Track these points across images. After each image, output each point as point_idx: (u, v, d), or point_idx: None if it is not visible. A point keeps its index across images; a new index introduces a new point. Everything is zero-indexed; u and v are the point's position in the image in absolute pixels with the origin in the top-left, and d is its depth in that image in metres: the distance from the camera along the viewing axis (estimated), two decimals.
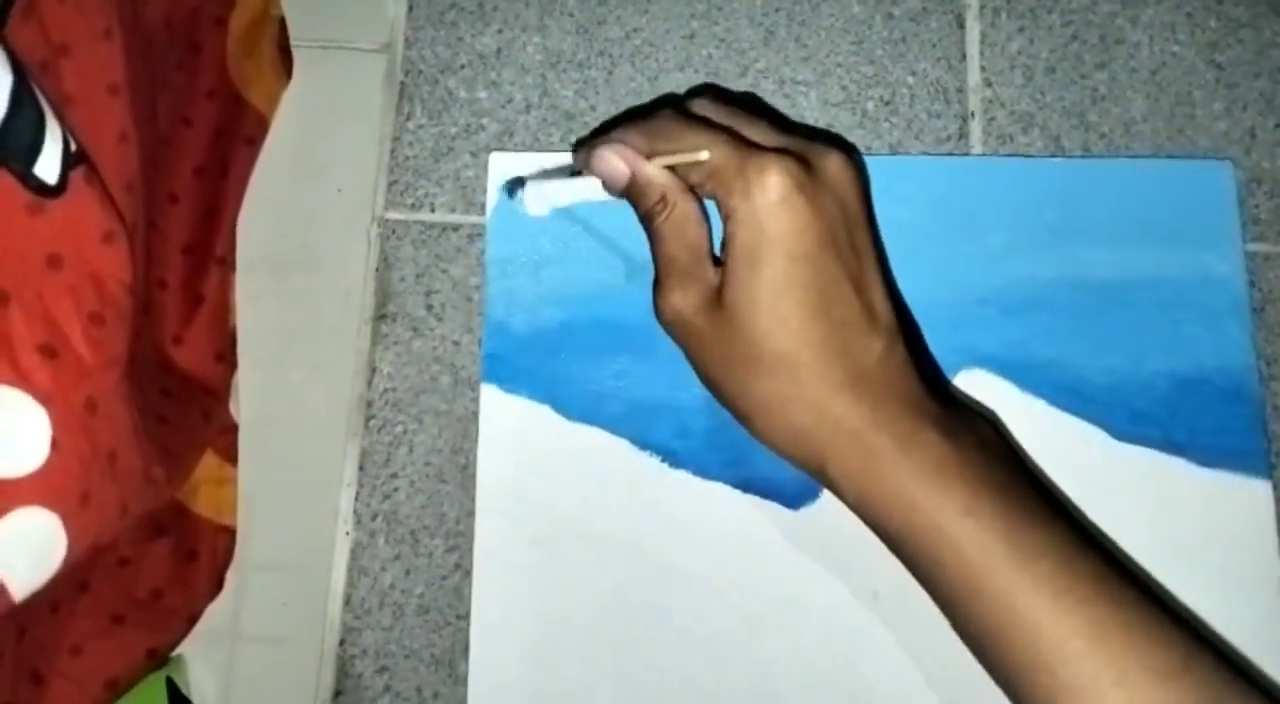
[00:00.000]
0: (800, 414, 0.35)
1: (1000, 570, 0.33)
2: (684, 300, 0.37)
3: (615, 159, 0.38)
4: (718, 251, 0.37)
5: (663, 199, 0.37)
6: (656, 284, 0.38)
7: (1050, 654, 0.32)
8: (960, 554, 0.34)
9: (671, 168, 0.37)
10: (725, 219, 0.36)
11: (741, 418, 0.37)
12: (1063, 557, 0.33)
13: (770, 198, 0.34)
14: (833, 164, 0.37)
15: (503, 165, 0.45)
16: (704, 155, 0.36)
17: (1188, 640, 0.33)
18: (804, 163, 0.35)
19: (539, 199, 0.44)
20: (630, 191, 0.38)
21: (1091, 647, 0.32)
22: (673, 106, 0.40)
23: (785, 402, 0.35)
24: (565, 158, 0.44)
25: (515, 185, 0.44)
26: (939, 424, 0.35)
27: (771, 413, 0.36)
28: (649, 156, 0.37)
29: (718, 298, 0.36)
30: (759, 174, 0.35)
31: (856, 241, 0.37)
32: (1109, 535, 0.41)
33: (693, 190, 0.37)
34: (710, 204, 0.38)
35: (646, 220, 0.38)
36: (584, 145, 0.40)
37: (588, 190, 0.40)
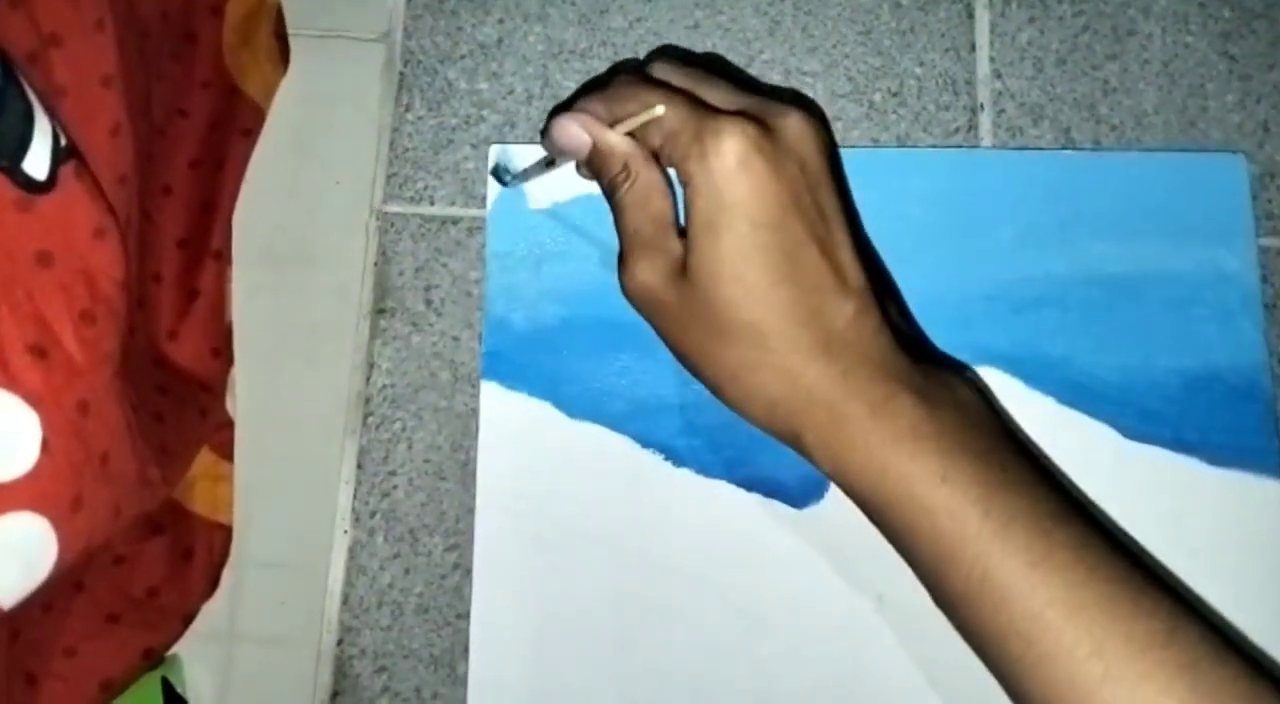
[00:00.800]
0: (772, 383, 0.35)
1: (975, 538, 0.32)
2: (649, 273, 0.36)
3: (575, 126, 0.36)
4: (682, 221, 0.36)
5: (625, 168, 0.36)
6: (621, 258, 0.37)
7: (1026, 623, 0.31)
8: (934, 522, 0.33)
9: (632, 135, 0.36)
10: (684, 186, 0.35)
11: (714, 389, 0.36)
12: (1040, 524, 0.32)
13: (727, 162, 0.33)
14: (792, 123, 0.35)
15: (503, 157, 0.44)
16: (660, 110, 0.35)
17: (1172, 610, 0.32)
18: (762, 124, 0.34)
19: (540, 192, 0.43)
20: (592, 162, 0.37)
21: (1068, 616, 0.31)
22: (630, 70, 0.39)
23: (755, 370, 0.35)
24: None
25: (501, 173, 0.43)
26: (914, 388, 0.34)
27: (743, 382, 0.35)
28: (611, 125, 0.36)
29: (682, 269, 0.35)
30: (714, 138, 0.34)
31: (821, 202, 0.35)
32: (1119, 533, 0.40)
33: (657, 159, 0.37)
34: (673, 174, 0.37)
35: (609, 192, 0.37)
36: (547, 124, 0.39)
37: (565, 177, 0.39)
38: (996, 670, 0.33)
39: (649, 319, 0.37)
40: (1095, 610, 0.31)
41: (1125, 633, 0.31)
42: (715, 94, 0.37)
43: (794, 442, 0.36)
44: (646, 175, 0.36)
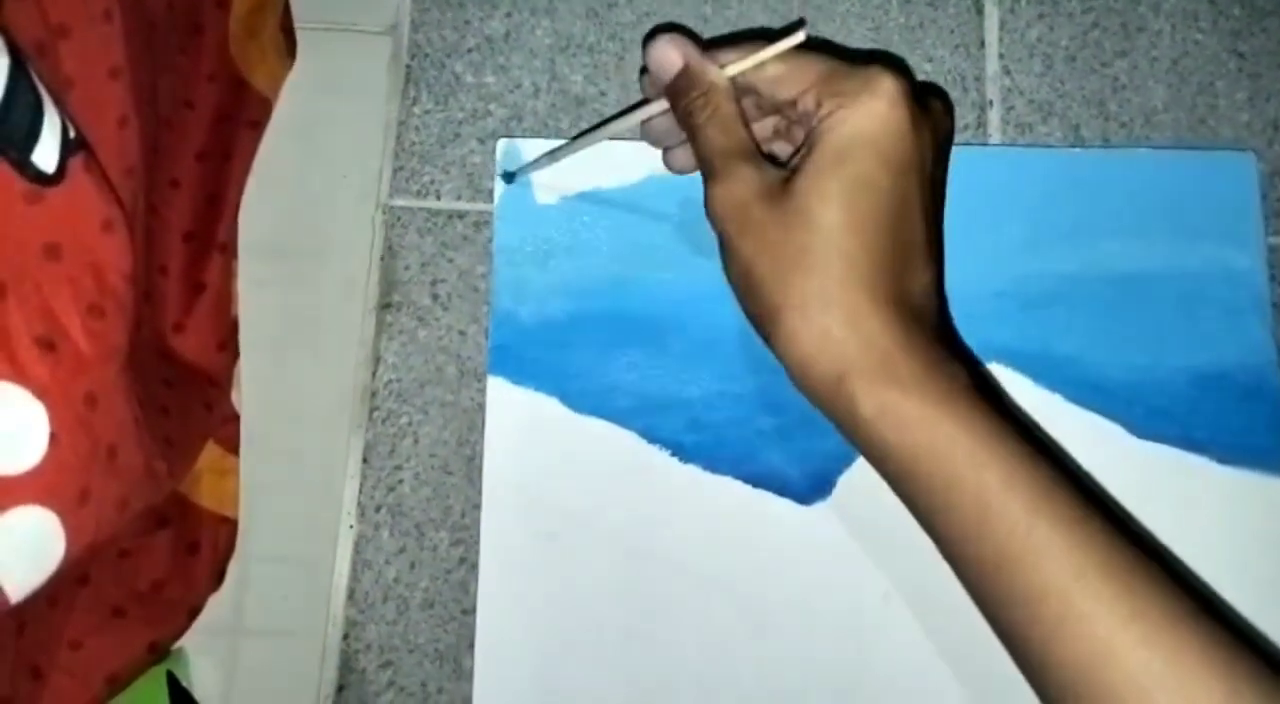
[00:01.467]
0: (836, 317, 0.34)
1: (1022, 494, 0.32)
2: (743, 185, 0.35)
3: (670, 48, 0.37)
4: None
5: (705, 95, 0.36)
6: (709, 175, 0.36)
7: (1067, 580, 0.31)
8: (981, 478, 0.33)
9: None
10: (821, 120, 0.35)
11: (770, 314, 0.35)
12: (1081, 495, 0.33)
13: (881, 102, 0.34)
14: (936, 101, 0.36)
15: (510, 151, 0.44)
16: (800, 37, 0.35)
17: (1198, 592, 0.32)
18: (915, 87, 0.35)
19: (548, 186, 0.43)
20: (675, 86, 0.37)
21: (1108, 577, 0.31)
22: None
23: (826, 302, 0.34)
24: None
25: (509, 178, 0.43)
26: (963, 360, 0.35)
27: (808, 310, 0.34)
28: (724, 66, 0.36)
29: (782, 187, 0.35)
30: (872, 79, 0.34)
31: (938, 177, 0.36)
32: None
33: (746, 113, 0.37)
34: None
35: (687, 117, 0.37)
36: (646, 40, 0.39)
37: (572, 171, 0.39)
38: (1023, 636, 0.33)
39: (728, 234, 0.36)
40: (1135, 576, 0.31)
41: (1162, 602, 0.31)
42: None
43: (835, 383, 0.34)
44: (726, 106, 0.36)
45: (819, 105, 0.35)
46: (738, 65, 0.36)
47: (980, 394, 0.34)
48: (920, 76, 0.46)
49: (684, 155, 0.40)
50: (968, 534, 0.33)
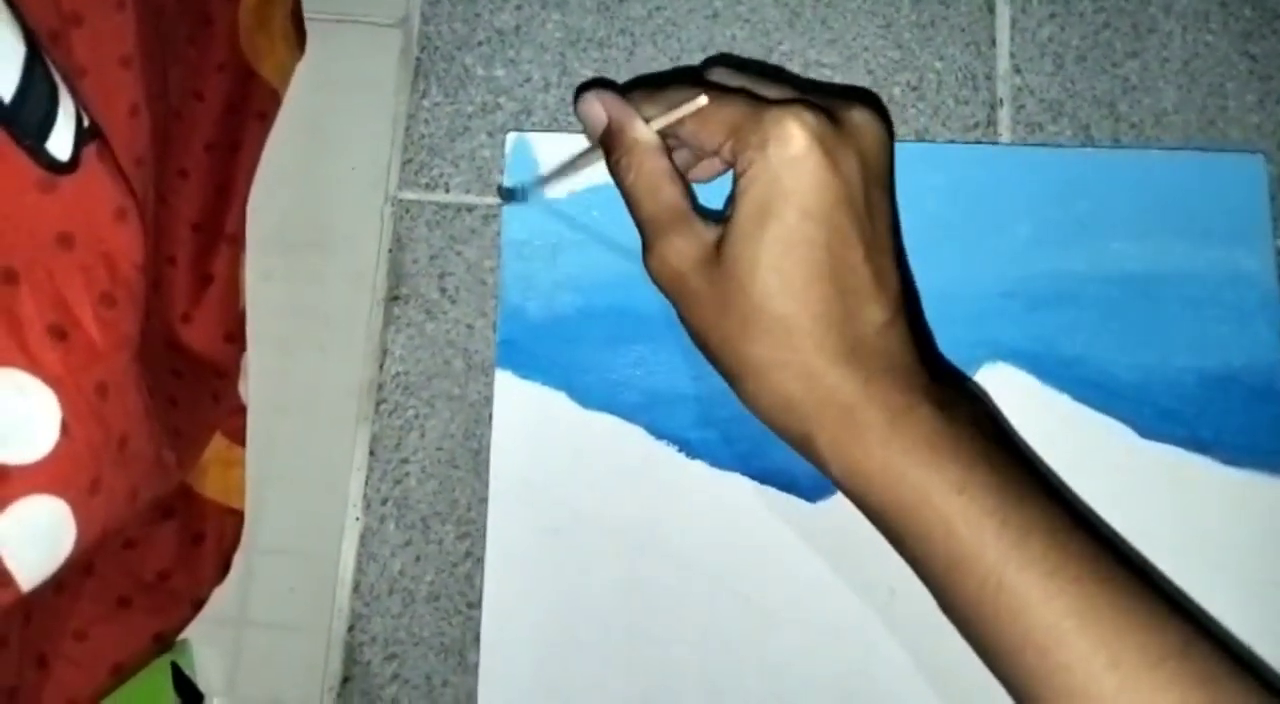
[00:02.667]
0: (792, 381, 0.34)
1: (991, 548, 0.32)
2: (677, 256, 0.35)
3: (595, 104, 0.36)
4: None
5: (628, 153, 0.36)
6: (643, 242, 0.36)
7: (1042, 634, 0.31)
8: (950, 530, 0.33)
9: (670, 136, 0.36)
10: (738, 175, 0.34)
11: (730, 380, 0.36)
12: (1055, 536, 0.32)
13: (788, 151, 0.33)
14: (857, 116, 0.35)
15: (520, 145, 0.44)
16: (702, 101, 0.34)
17: (1184, 625, 0.32)
18: (825, 115, 0.34)
19: (558, 181, 0.43)
20: (604, 143, 0.37)
21: (1084, 627, 0.31)
22: (688, 76, 0.38)
23: (778, 367, 0.34)
24: (583, 141, 0.43)
25: (509, 196, 0.43)
26: (933, 399, 0.34)
27: (762, 377, 0.34)
28: (649, 118, 0.36)
29: (715, 253, 0.34)
30: (778, 125, 0.33)
31: (873, 202, 0.35)
32: (1134, 533, 0.40)
33: (679, 159, 0.36)
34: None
35: (617, 181, 0.37)
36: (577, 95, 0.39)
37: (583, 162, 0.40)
38: (1009, 682, 0.33)
39: (673, 302, 0.36)
40: (1111, 622, 0.31)
41: (1141, 644, 0.31)
42: (775, 92, 0.36)
43: (803, 442, 0.35)
44: (652, 164, 0.36)
45: (735, 158, 0.34)
46: (656, 122, 0.36)
47: (946, 439, 0.33)
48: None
49: (704, 168, 0.40)
50: (944, 585, 0.34)
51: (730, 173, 0.35)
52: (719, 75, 0.38)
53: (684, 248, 0.35)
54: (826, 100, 0.35)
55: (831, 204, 0.33)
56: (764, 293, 0.33)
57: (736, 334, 0.34)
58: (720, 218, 0.35)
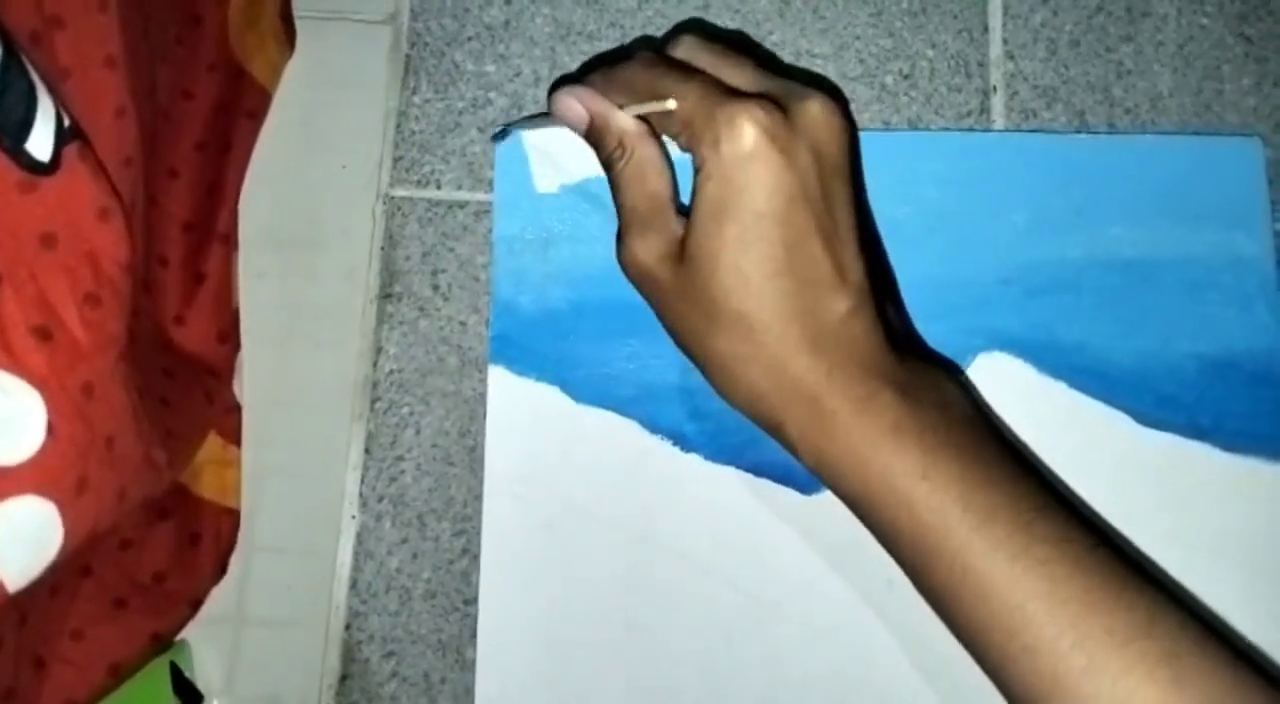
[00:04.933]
0: (757, 374, 0.35)
1: (955, 533, 0.32)
2: (645, 252, 0.36)
3: (574, 102, 0.37)
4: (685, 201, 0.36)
5: (620, 145, 0.36)
6: (619, 234, 0.37)
7: (1007, 616, 0.32)
8: (915, 517, 0.33)
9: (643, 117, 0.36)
10: (696, 170, 0.34)
11: (702, 371, 0.37)
12: (1020, 518, 0.32)
13: (740, 149, 0.33)
14: (812, 108, 0.35)
15: (511, 140, 0.44)
16: (670, 104, 0.34)
17: (1153, 601, 0.32)
18: (780, 109, 0.34)
19: (548, 175, 0.43)
20: (590, 137, 0.37)
21: (1050, 609, 0.31)
22: (652, 49, 0.38)
23: (743, 361, 0.35)
24: (573, 134, 0.43)
25: (501, 135, 0.43)
26: (898, 385, 0.34)
27: (730, 371, 0.35)
28: (621, 104, 0.36)
29: (681, 250, 0.35)
30: (729, 124, 0.33)
31: (832, 193, 0.35)
32: (1134, 521, 0.40)
33: (659, 138, 0.37)
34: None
35: (606, 167, 0.37)
36: (550, 94, 0.39)
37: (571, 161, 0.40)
38: (981, 662, 0.33)
39: (644, 297, 0.37)
40: (1076, 603, 0.31)
41: (1106, 625, 0.31)
42: (737, 75, 0.36)
43: (776, 432, 0.36)
44: (643, 152, 0.36)
45: (691, 150, 0.35)
46: (634, 109, 0.36)
47: (909, 425, 0.34)
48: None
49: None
50: (915, 569, 0.34)
51: None
52: (684, 50, 0.38)
53: (653, 243, 0.36)
54: (784, 89, 0.35)
55: (786, 201, 0.33)
56: (724, 289, 0.34)
57: (702, 328, 0.35)
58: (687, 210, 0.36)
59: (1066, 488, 0.40)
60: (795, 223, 0.34)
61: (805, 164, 0.34)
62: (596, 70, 0.38)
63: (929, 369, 0.37)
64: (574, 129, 0.37)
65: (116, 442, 0.30)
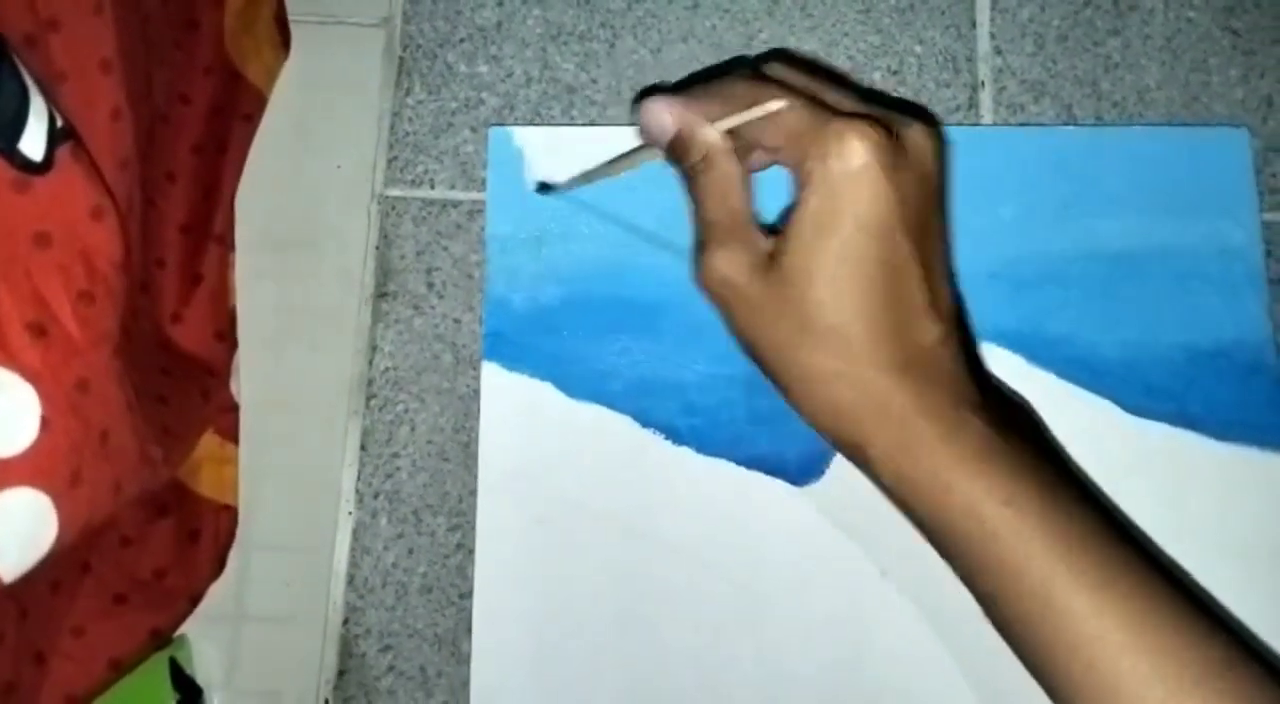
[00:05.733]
0: (844, 391, 0.34)
1: (1038, 561, 0.32)
2: (729, 264, 0.35)
3: (663, 112, 0.36)
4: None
5: (705, 158, 0.36)
6: (698, 247, 0.36)
7: (1088, 647, 0.32)
8: (998, 543, 0.33)
9: (732, 132, 0.35)
10: (799, 185, 0.34)
11: (781, 388, 0.36)
12: (1102, 550, 0.33)
13: (850, 165, 0.33)
14: (916, 135, 0.35)
15: (503, 140, 0.44)
16: (776, 105, 0.34)
17: (1229, 641, 0.32)
18: (887, 131, 0.34)
19: (540, 175, 0.43)
20: (674, 148, 0.37)
21: (1131, 641, 0.31)
22: (745, 68, 0.38)
23: (831, 377, 0.34)
24: (565, 134, 0.44)
25: (545, 189, 0.44)
26: (983, 412, 0.34)
27: (815, 387, 0.35)
28: (712, 121, 0.36)
29: (770, 263, 0.35)
30: (839, 139, 0.33)
31: (930, 220, 0.35)
32: (1125, 510, 0.40)
33: (738, 153, 0.36)
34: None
35: (688, 180, 0.37)
36: (642, 97, 0.38)
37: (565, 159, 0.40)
38: (1053, 692, 0.33)
39: (722, 310, 0.36)
40: (1156, 636, 0.31)
41: (1184, 660, 0.31)
42: (836, 98, 0.36)
43: (855, 451, 0.35)
44: (726, 166, 0.36)
45: (794, 164, 0.35)
46: (724, 122, 0.35)
47: (995, 452, 0.34)
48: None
49: (754, 159, 0.39)
50: (991, 595, 0.34)
51: (774, 169, 0.36)
52: (779, 72, 0.38)
53: (738, 255, 0.35)
54: (887, 115, 0.35)
55: (889, 221, 0.33)
56: (820, 302, 0.34)
57: (790, 342, 0.35)
58: (770, 228, 0.35)
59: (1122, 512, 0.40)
60: (896, 244, 0.34)
61: (910, 188, 0.34)
62: (691, 86, 0.38)
63: (1009, 400, 0.37)
64: (656, 141, 0.37)
65: (111, 436, 0.31)
